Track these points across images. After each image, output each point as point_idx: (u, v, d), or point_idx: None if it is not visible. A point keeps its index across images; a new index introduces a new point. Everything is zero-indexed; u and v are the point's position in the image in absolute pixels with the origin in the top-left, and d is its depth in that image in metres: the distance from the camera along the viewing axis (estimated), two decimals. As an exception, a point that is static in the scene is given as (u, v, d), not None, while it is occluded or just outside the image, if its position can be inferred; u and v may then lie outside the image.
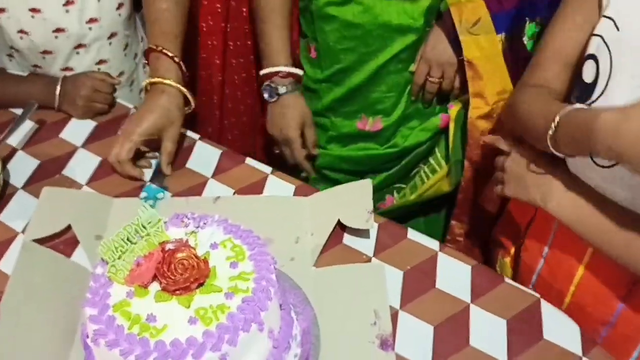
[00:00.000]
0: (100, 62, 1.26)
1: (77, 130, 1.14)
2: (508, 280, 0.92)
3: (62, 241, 0.92)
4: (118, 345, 0.62)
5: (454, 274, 0.92)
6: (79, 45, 1.22)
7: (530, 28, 1.15)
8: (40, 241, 0.91)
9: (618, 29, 0.80)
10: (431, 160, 1.35)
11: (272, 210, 0.98)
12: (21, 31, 1.16)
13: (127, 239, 0.69)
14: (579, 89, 0.86)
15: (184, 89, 1.05)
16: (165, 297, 0.67)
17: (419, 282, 0.90)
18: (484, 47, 1.13)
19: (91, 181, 1.04)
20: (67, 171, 1.06)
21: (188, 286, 0.66)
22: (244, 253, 0.72)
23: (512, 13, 1.16)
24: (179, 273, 0.67)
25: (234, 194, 1.03)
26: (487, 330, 0.85)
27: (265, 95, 1.21)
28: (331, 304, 0.85)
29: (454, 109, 1.23)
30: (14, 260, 0.86)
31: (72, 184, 1.03)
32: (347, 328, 0.83)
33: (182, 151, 1.10)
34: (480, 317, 0.86)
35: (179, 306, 0.66)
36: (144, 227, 0.70)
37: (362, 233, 0.95)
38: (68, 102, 1.15)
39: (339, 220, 0.95)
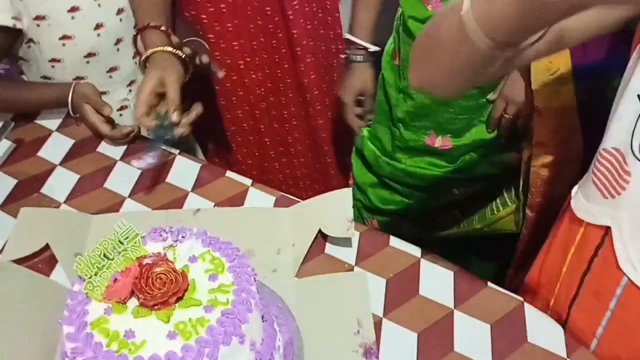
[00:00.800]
0: (111, 69, 1.26)
1: (55, 148, 1.13)
2: (491, 285, 0.92)
3: (40, 260, 0.91)
4: (96, 362, 0.61)
5: (437, 280, 0.92)
6: (89, 55, 1.21)
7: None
8: (18, 261, 0.90)
9: None
10: (505, 194, 1.33)
11: (253, 221, 0.98)
12: (53, 60, 1.18)
13: (104, 255, 0.69)
14: None
15: (168, 48, 1.07)
16: (143, 313, 0.66)
17: (402, 290, 0.90)
18: (557, 98, 1.08)
19: (70, 199, 1.03)
20: (46, 189, 1.05)
21: (166, 300, 0.66)
22: (223, 265, 0.71)
23: (597, 66, 1.09)
24: (157, 288, 0.66)
25: (214, 206, 1.02)
26: (472, 336, 0.84)
27: (342, 57, 1.38)
28: (314, 314, 0.84)
29: (526, 150, 1.19)
30: (-9, 281, 0.85)
31: (50, 202, 1.02)
32: (331, 338, 0.82)
33: (161, 166, 1.09)
34: (464, 323, 0.86)
35: (158, 321, 0.65)
36: (121, 242, 0.70)
37: (344, 242, 0.95)
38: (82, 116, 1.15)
39: (320, 230, 0.95)
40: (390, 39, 1.31)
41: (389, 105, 1.32)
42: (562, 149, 1.11)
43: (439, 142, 1.28)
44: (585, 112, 1.11)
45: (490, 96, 1.22)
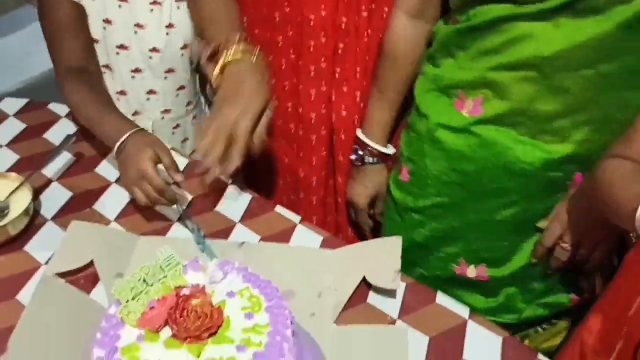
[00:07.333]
0: (150, 92, 1.29)
1: (112, 165, 1.15)
2: (541, 357, 0.86)
3: (83, 276, 0.91)
4: (121, 391, 0.60)
5: (483, 345, 0.86)
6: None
7: None
8: (62, 275, 0.90)
9: None
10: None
11: (296, 261, 0.95)
12: (135, 70, 1.25)
13: (144, 280, 0.68)
14: None
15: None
16: (175, 344, 0.64)
17: (444, 351, 0.85)
18: None
19: (120, 217, 1.04)
20: (98, 206, 1.06)
21: (199, 335, 0.64)
22: (260, 304, 0.69)
23: None
24: (191, 320, 0.64)
25: (259, 241, 1.00)
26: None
27: (352, 157, 1.21)
28: (349, 366, 0.81)
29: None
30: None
31: (100, 218, 1.03)
32: (365, 393, 0.78)
33: (213, 193, 1.09)
34: (509, 395, 0.81)
35: (189, 355, 0.63)
36: (162, 269, 0.69)
37: (388, 293, 0.91)
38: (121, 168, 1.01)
39: (364, 278, 0.92)
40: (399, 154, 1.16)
41: (397, 229, 1.12)
42: None
43: (472, 272, 1.08)
44: None
45: (541, 223, 1.02)
